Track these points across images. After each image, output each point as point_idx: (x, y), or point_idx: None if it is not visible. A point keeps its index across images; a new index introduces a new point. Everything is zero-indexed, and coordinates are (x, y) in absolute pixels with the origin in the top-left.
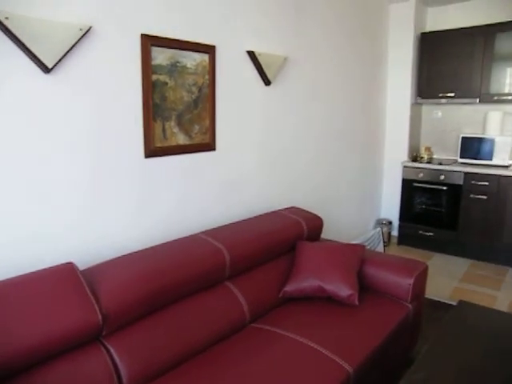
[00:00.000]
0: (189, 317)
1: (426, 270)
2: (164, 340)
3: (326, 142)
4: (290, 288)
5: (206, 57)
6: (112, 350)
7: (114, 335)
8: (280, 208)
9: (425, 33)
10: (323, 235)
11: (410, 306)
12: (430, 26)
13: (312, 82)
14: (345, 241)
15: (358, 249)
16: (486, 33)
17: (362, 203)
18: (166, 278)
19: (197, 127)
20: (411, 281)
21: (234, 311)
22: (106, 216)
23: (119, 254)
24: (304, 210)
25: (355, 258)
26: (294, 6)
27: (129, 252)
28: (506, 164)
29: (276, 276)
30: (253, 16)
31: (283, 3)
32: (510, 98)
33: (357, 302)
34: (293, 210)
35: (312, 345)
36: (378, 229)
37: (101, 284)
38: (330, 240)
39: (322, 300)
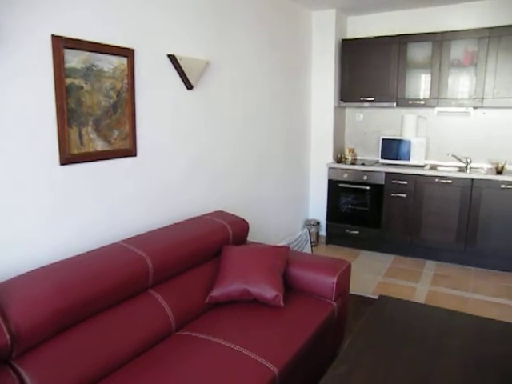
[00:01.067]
0: (110, 329)
1: (348, 268)
2: (84, 355)
3: (251, 145)
4: (216, 293)
5: (124, 60)
6: (23, 374)
7: (27, 356)
8: (206, 213)
9: (346, 40)
10: (251, 238)
11: (334, 303)
12: (351, 34)
13: (236, 86)
14: (273, 242)
15: (283, 250)
16: (400, 42)
17: (290, 205)
18: (81, 291)
19: (116, 132)
20: (335, 279)
21: (159, 320)
22: (17, 227)
23: (32, 268)
24: (230, 214)
25: (280, 259)
26: (215, 11)
27: (43, 265)
28: (422, 164)
29: (202, 282)
30: (173, 20)
31: (204, 8)
32: (422, 102)
33: (282, 303)
34: (218, 214)
35: (238, 349)
36: (305, 229)
37: (9, 301)
38: (256, 243)
39: (249, 303)
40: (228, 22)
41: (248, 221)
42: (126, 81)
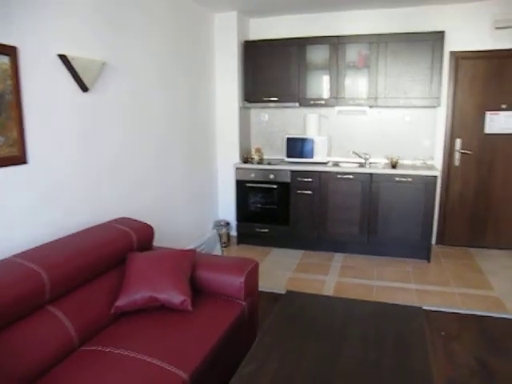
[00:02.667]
0: (5, 351)
1: (256, 266)
2: None
3: (156, 148)
4: (121, 302)
5: (5, 59)
6: None
7: None
8: (108, 220)
9: (248, 41)
10: (159, 243)
11: (244, 303)
12: (253, 36)
13: (136, 88)
14: (182, 246)
15: (189, 254)
16: (300, 45)
17: (199, 207)
18: None
19: (1, 139)
20: (242, 279)
21: (59, 336)
22: None
23: None
24: (134, 220)
25: (187, 263)
26: (110, 12)
27: None
28: (325, 161)
29: (106, 292)
30: (64, 18)
31: (99, 7)
32: (323, 102)
33: (190, 308)
34: (122, 220)
35: (146, 358)
36: (214, 231)
37: None
38: (163, 248)
39: (156, 310)
40: (126, 22)
41: (154, 225)
42: (9, 82)
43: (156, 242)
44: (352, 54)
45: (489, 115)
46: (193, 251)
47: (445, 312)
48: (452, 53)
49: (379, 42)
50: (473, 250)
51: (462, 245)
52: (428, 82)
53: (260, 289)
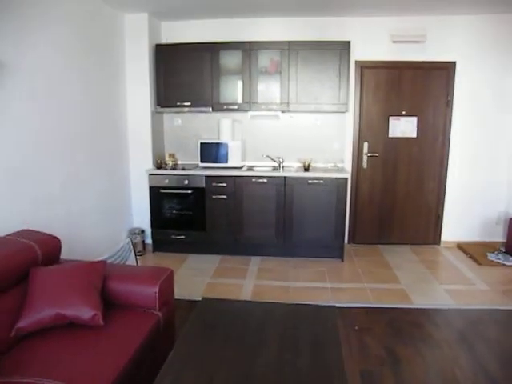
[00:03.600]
0: None
1: (171, 275)
2: None
3: (62, 155)
4: (24, 323)
5: None
6: None
7: None
8: (8, 233)
9: (159, 45)
10: (68, 256)
11: (159, 313)
12: (166, 39)
13: (38, 91)
14: (93, 257)
15: (99, 266)
16: (212, 49)
17: (111, 215)
18: None
19: None
20: (156, 288)
21: None
22: None
23: None
24: (38, 232)
25: (96, 275)
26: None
27: None
28: (239, 165)
29: (6, 313)
30: None
31: None
32: (236, 107)
33: (102, 322)
34: (24, 233)
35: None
36: (128, 239)
37: None
38: (71, 260)
39: (65, 328)
40: (28, 21)
41: (62, 237)
42: None
43: (65, 255)
44: (264, 59)
45: (391, 120)
46: (103, 262)
47: (358, 307)
48: (357, 62)
49: (290, 49)
50: (381, 247)
51: (371, 242)
52: (336, 88)
53: (177, 297)
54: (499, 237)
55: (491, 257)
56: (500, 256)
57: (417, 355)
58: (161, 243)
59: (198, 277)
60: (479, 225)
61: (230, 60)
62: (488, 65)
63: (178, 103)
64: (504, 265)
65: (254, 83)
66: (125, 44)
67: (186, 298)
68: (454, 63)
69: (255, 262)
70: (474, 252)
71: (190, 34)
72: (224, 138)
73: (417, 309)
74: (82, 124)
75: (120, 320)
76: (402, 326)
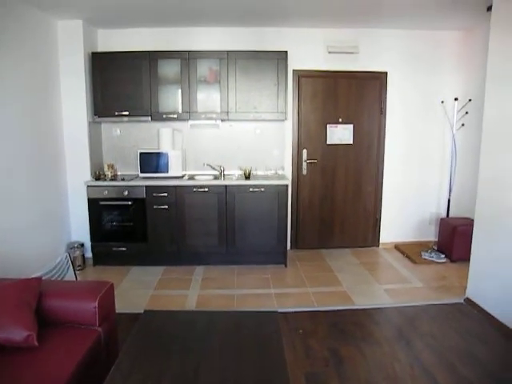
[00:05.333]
0: None
1: (111, 288)
2: None
3: None
4: None
5: None
6: None
7: None
8: None
9: (96, 53)
10: (3, 274)
11: (99, 329)
12: (103, 47)
13: None
14: (29, 273)
15: (34, 282)
16: (150, 58)
17: (48, 229)
18: None
19: None
20: (95, 303)
21: None
22: None
23: None
24: None
25: (30, 293)
26: None
27: None
28: (180, 175)
29: None
30: None
31: None
32: (175, 116)
33: (36, 343)
34: None
35: None
36: (65, 254)
37: None
38: (2, 279)
39: None
40: None
41: None
42: None
43: None
44: (203, 69)
45: (329, 128)
46: (38, 279)
47: (301, 311)
48: (295, 71)
49: (229, 58)
50: (324, 251)
51: (314, 247)
52: (275, 97)
53: (120, 311)
54: (432, 236)
55: (425, 255)
56: (433, 254)
57: (359, 354)
58: (102, 256)
59: (141, 289)
60: (414, 226)
61: (169, 69)
62: (416, 75)
63: (117, 113)
64: (437, 262)
65: (194, 92)
66: (58, 51)
67: (129, 311)
68: (385, 73)
69: (199, 271)
70: (409, 252)
71: (128, 42)
72: (164, 148)
73: (358, 309)
74: (13, 136)
75: (57, 339)
76: (345, 327)
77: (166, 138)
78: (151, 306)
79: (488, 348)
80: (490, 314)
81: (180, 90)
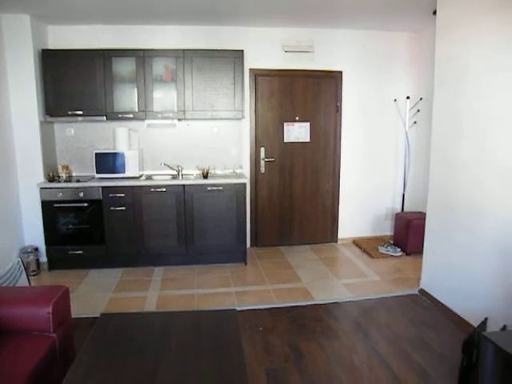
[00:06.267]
0: None
1: (66, 293)
2: None
3: None
4: None
5: None
6: None
7: None
8: None
9: (46, 50)
10: None
11: (54, 335)
12: (54, 44)
13: None
14: None
15: None
16: (104, 56)
17: None
18: None
19: None
20: (49, 309)
21: None
22: None
23: None
24: None
25: None
26: None
27: None
28: (137, 175)
29: None
30: None
31: None
32: (131, 115)
33: None
34: None
35: None
36: (18, 259)
37: None
38: None
39: None
40: None
41: None
42: None
43: None
44: (159, 67)
45: (286, 126)
46: None
47: (262, 309)
48: (251, 70)
49: (185, 56)
50: (283, 248)
51: (273, 245)
52: (232, 96)
53: (77, 316)
54: (388, 231)
55: (382, 249)
56: (389, 248)
57: (318, 348)
58: (57, 261)
59: (99, 292)
60: (371, 221)
61: (124, 67)
62: (370, 74)
63: (70, 112)
64: (393, 256)
65: (150, 91)
66: (5, 47)
67: (87, 315)
68: (340, 72)
69: (159, 272)
70: (367, 246)
71: (80, 39)
72: (120, 148)
73: (318, 304)
74: None
75: (9, 348)
76: (305, 322)
77: (121, 138)
78: (110, 309)
79: (439, 335)
80: (442, 304)
81: (136, 89)
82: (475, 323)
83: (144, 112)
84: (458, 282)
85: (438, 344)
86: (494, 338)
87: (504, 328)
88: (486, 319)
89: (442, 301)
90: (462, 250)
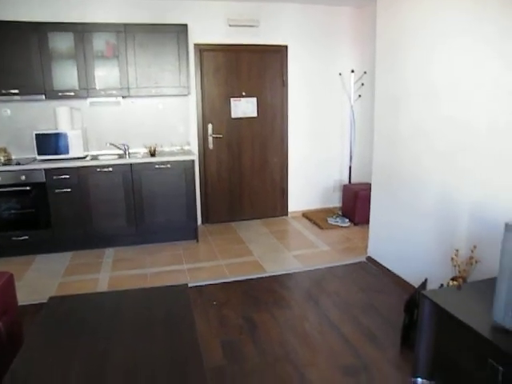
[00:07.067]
0: None
1: (9, 280)
2: None
3: None
4: None
5: None
6: None
7: None
8: None
9: None
10: None
11: None
12: None
13: None
14: None
15: None
16: (39, 30)
17: None
18: None
19: None
20: None
21: None
22: None
23: None
24: None
25: None
26: None
27: None
28: (82, 155)
29: None
30: None
31: None
32: (72, 94)
33: None
34: None
35: None
36: None
37: None
38: None
39: None
40: None
41: None
42: None
43: None
44: (99, 43)
45: (233, 101)
46: None
47: (215, 283)
48: (196, 45)
49: (126, 31)
50: (234, 224)
51: (224, 221)
52: (177, 72)
53: (25, 303)
54: (337, 202)
55: (331, 221)
56: (338, 219)
57: (271, 318)
58: (0, 248)
59: (47, 278)
60: (320, 193)
61: (62, 43)
62: (315, 48)
63: (4, 91)
64: (341, 226)
65: (91, 68)
66: None
67: (36, 302)
68: (286, 46)
69: (109, 253)
70: (316, 218)
71: (12, 11)
72: (62, 128)
73: (270, 276)
74: None
75: None
76: (257, 294)
77: (63, 118)
78: (60, 293)
79: (386, 299)
80: (387, 269)
81: (76, 66)
82: (417, 285)
83: (86, 90)
84: (401, 248)
85: (384, 307)
86: (431, 295)
87: (441, 287)
88: (426, 280)
89: (387, 266)
90: (403, 219)
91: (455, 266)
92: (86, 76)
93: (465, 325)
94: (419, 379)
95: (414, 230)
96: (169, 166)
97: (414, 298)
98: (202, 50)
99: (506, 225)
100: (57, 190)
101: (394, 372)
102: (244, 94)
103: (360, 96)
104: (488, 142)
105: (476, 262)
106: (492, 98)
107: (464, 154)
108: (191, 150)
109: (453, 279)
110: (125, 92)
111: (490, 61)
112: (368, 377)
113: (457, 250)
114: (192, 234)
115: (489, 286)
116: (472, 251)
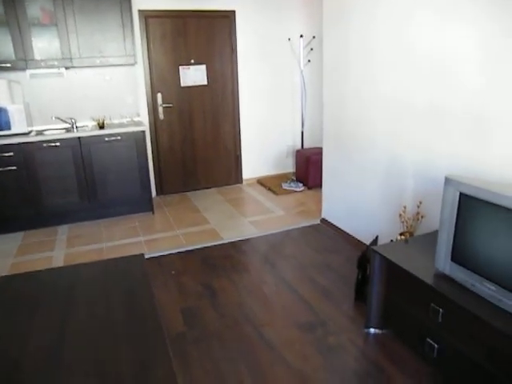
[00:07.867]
0: None
1: None
2: None
3: None
4: None
5: None
6: None
7: None
8: None
9: None
10: None
11: None
12: None
13: None
14: None
15: None
16: None
17: None
18: None
19: None
20: None
21: None
22: None
23: None
24: None
25: None
26: None
27: None
28: (26, 131)
29: None
30: None
31: None
32: (9, 65)
33: None
34: None
35: None
36: None
37: None
38: None
39: None
40: None
41: None
42: None
43: None
44: (34, 9)
45: (182, 70)
46: None
47: (173, 253)
48: (140, 11)
49: None
50: (190, 194)
51: (180, 191)
52: (121, 40)
53: None
54: (290, 168)
55: (285, 186)
56: (292, 184)
57: (230, 283)
58: None
59: None
60: (273, 159)
61: None
62: (263, 13)
63: None
64: (296, 191)
65: (27, 37)
66: None
67: None
68: (233, 12)
69: (63, 230)
70: (271, 184)
71: None
72: (2, 103)
73: (227, 243)
74: None
75: None
76: (215, 262)
77: (2, 92)
78: (13, 273)
79: (341, 258)
80: (341, 230)
81: (10, 35)
82: (369, 242)
83: (24, 61)
84: (353, 208)
85: (339, 266)
86: (380, 250)
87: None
88: (377, 237)
89: (341, 227)
90: (354, 180)
91: (403, 221)
92: (22, 45)
93: (411, 274)
94: (372, 329)
95: (365, 191)
96: (119, 138)
97: (365, 255)
98: (147, 16)
99: (446, 178)
100: (1, 169)
101: (348, 324)
102: (193, 61)
103: (309, 61)
104: (425, 115)
105: (422, 217)
106: (429, 72)
107: (402, 123)
108: (141, 121)
109: (401, 234)
110: (67, 62)
111: (428, 26)
112: (323, 331)
113: (404, 207)
114: (147, 205)
115: (433, 238)
116: (418, 207)
